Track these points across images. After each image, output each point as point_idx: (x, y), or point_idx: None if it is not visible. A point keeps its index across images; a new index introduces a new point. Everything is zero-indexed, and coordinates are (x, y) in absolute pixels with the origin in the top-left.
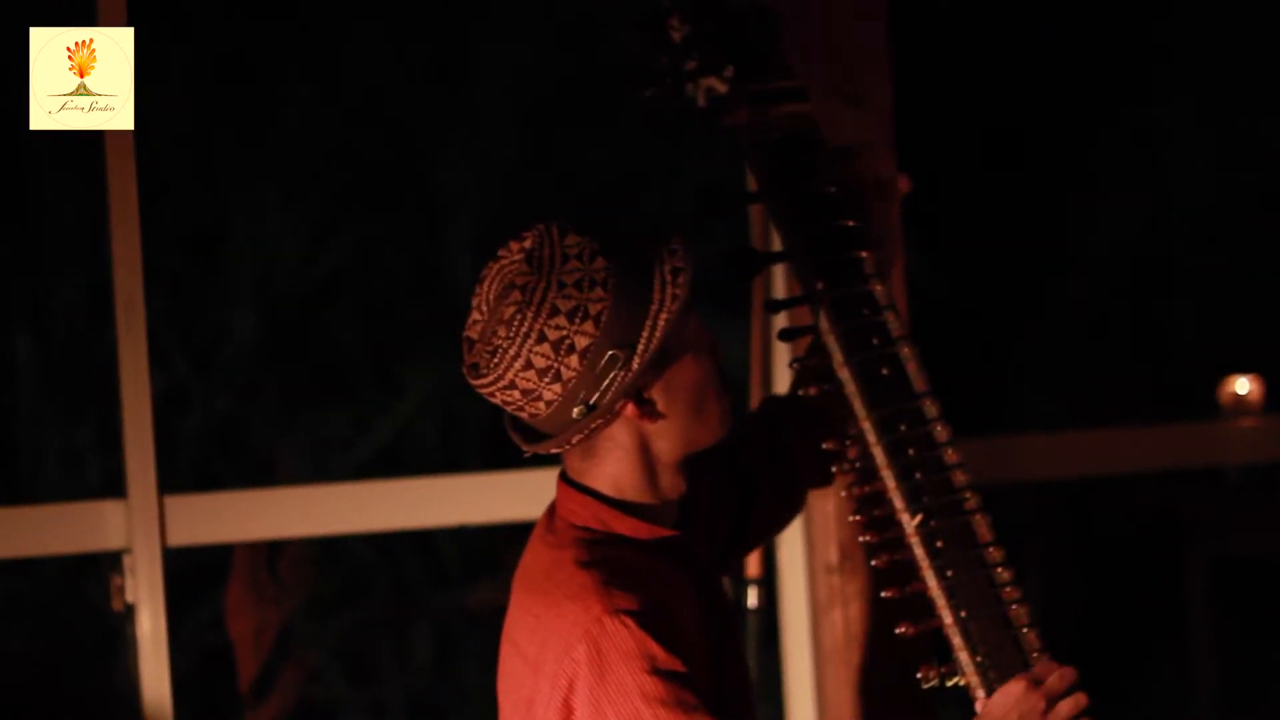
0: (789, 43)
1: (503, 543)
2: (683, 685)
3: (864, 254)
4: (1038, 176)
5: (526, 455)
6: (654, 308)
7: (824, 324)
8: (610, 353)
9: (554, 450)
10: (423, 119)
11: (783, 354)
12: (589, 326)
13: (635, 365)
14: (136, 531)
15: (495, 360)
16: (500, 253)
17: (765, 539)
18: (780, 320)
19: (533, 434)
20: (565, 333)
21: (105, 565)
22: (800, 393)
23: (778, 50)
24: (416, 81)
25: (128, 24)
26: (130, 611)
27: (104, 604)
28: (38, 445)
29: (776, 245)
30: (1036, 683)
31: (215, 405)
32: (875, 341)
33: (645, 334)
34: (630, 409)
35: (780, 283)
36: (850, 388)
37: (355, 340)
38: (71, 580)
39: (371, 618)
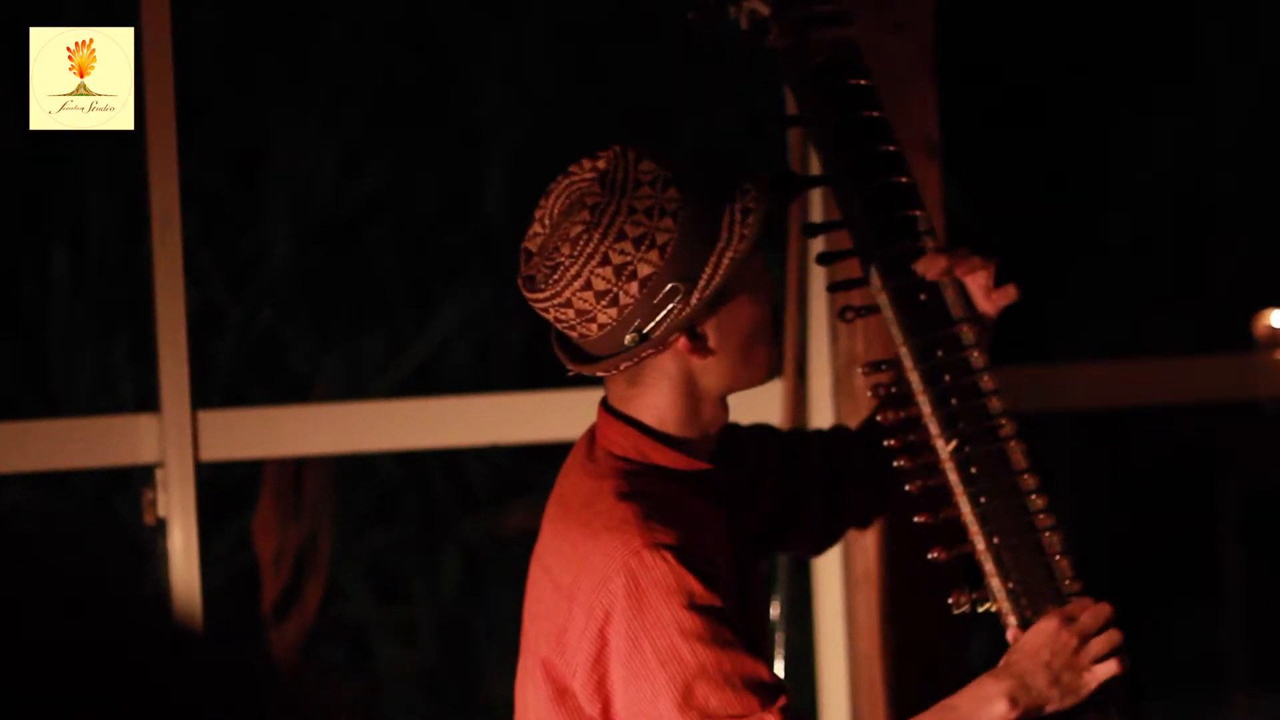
0: None
1: (532, 465)
2: (719, 621)
3: (904, 179)
4: (1078, 106)
5: (570, 374)
6: (720, 245)
7: (862, 249)
8: (671, 284)
9: (599, 374)
10: (462, 42)
11: (819, 278)
12: (654, 256)
13: (694, 300)
14: (169, 446)
15: (555, 277)
16: (571, 169)
17: (793, 553)
18: (818, 244)
19: (579, 354)
20: (629, 259)
21: (136, 480)
22: (878, 417)
23: None
24: (456, 4)
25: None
26: (162, 526)
27: (135, 519)
28: (72, 360)
29: (816, 170)
30: (1070, 619)
31: (250, 325)
32: (913, 267)
33: (708, 270)
34: (682, 342)
35: (818, 207)
36: (888, 313)
37: (391, 262)
38: (103, 494)
39: (401, 539)
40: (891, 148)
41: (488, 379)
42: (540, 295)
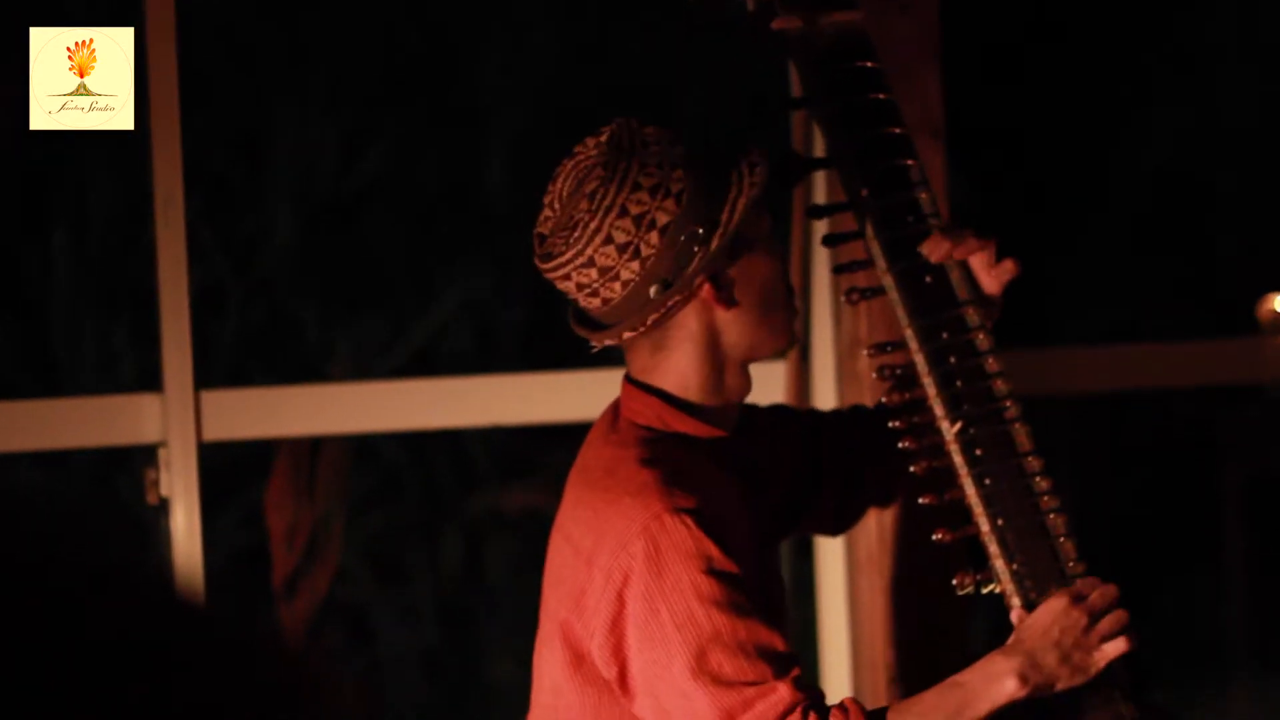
0: None
1: (534, 446)
2: (736, 588)
3: (910, 162)
4: (1082, 89)
5: (594, 350)
6: (732, 193)
7: (868, 231)
8: (690, 229)
9: (626, 334)
10: (463, 25)
11: (824, 260)
12: (670, 204)
13: (715, 244)
14: (172, 425)
15: (576, 235)
16: (576, 149)
17: (807, 534)
18: (822, 226)
19: (601, 324)
20: (647, 208)
21: (138, 459)
22: (884, 399)
23: None
24: None
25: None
26: (164, 506)
27: (137, 498)
28: (74, 340)
29: (820, 152)
30: (1078, 598)
31: (252, 306)
32: (918, 249)
33: (725, 214)
34: (707, 289)
35: (822, 188)
36: (893, 295)
37: (393, 244)
38: (105, 474)
39: (402, 520)
40: (897, 130)
41: (489, 361)
42: (560, 260)
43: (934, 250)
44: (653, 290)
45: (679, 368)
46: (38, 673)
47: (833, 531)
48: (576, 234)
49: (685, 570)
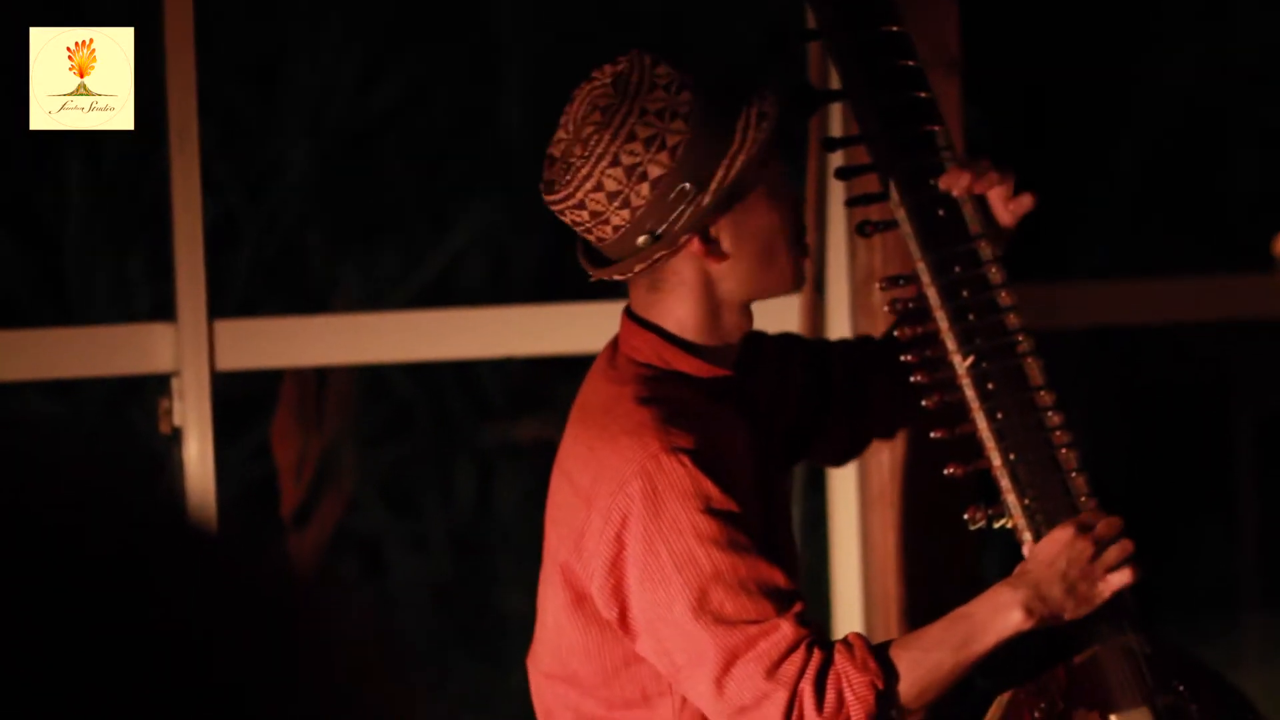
0: None
1: (546, 377)
2: (736, 526)
3: (924, 95)
4: (1095, 23)
5: (592, 280)
6: (733, 148)
7: (881, 164)
8: (681, 185)
9: (617, 277)
10: None
11: (838, 192)
12: (664, 157)
13: (705, 201)
14: (186, 354)
15: (569, 178)
16: (594, 74)
17: (817, 462)
18: (836, 159)
19: (598, 259)
20: (639, 160)
21: (152, 389)
22: (895, 333)
23: None
24: None
25: None
26: (177, 435)
27: (150, 428)
28: (88, 269)
29: (835, 84)
30: (1084, 528)
31: (266, 236)
32: (932, 182)
33: (720, 172)
34: (695, 245)
35: (837, 121)
36: (906, 228)
37: (408, 175)
38: (118, 403)
39: (414, 452)
40: (911, 63)
41: (502, 292)
42: (556, 197)
43: (953, 183)
44: (640, 240)
45: (674, 311)
46: (47, 603)
47: (839, 461)
48: (569, 177)
49: (684, 510)
